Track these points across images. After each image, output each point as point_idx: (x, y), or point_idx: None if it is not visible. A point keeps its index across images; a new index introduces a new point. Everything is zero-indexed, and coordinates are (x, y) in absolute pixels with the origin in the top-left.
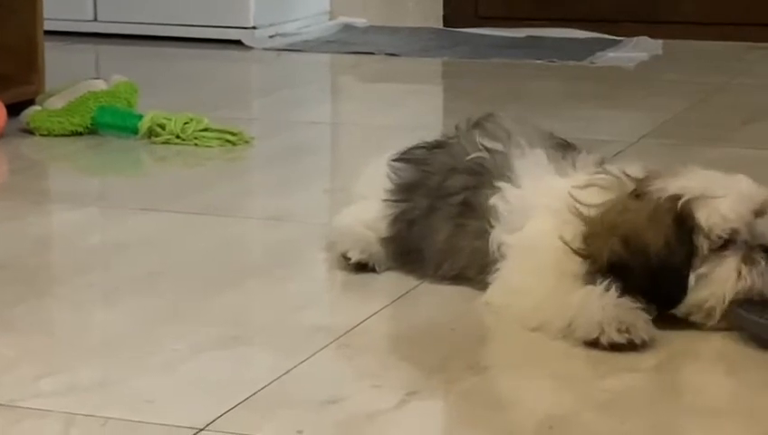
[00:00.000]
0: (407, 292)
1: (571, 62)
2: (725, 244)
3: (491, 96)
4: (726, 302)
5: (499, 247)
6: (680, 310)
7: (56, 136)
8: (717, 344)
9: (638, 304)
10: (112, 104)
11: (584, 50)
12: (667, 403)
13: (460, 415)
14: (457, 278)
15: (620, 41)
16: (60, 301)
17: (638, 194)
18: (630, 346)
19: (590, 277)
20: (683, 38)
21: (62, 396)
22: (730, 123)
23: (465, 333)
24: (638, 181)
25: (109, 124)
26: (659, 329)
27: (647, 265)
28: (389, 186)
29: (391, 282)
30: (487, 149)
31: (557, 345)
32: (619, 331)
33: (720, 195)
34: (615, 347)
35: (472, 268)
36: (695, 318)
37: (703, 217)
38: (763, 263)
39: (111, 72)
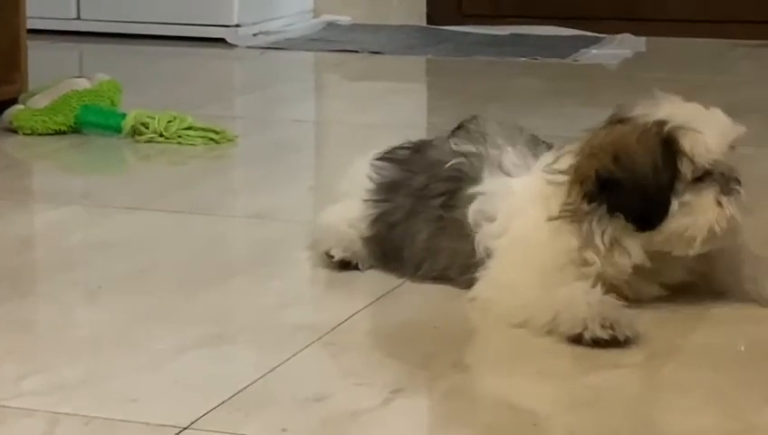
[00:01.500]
0: (390, 290)
1: (555, 60)
2: (703, 175)
3: (474, 94)
4: (707, 231)
5: (485, 248)
6: (660, 237)
7: (40, 135)
8: (701, 341)
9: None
10: (96, 103)
11: (568, 47)
12: (650, 400)
13: (444, 413)
14: (438, 279)
15: (604, 38)
16: (43, 300)
17: (619, 120)
18: (614, 343)
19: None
20: (666, 36)
21: (45, 395)
22: None
23: (449, 331)
24: (617, 108)
25: (92, 123)
26: (643, 326)
27: (634, 182)
28: (371, 185)
29: (375, 280)
30: (466, 153)
31: (541, 342)
32: (602, 327)
33: (703, 126)
34: (598, 343)
35: (453, 269)
36: (675, 248)
37: (688, 144)
38: (740, 194)
39: (95, 71)
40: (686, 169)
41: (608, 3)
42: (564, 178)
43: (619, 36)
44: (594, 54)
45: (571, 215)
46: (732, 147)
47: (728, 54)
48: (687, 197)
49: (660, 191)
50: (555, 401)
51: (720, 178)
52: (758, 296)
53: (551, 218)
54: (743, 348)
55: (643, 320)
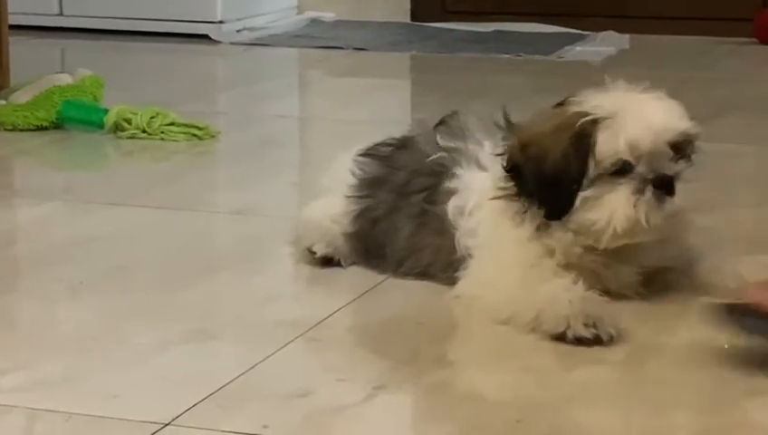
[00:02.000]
0: (373, 286)
1: (539, 57)
2: (621, 171)
3: (458, 90)
4: (612, 228)
5: (464, 246)
6: (572, 226)
7: (21, 130)
8: (685, 338)
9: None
10: (78, 98)
11: (551, 44)
12: (633, 396)
13: (427, 409)
14: (420, 275)
15: (587, 35)
16: (25, 296)
17: (560, 103)
18: (597, 341)
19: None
20: (650, 33)
21: (25, 391)
22: (696, 117)
23: (433, 327)
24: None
25: (74, 118)
26: (626, 322)
27: (538, 173)
28: (354, 181)
29: (357, 276)
30: (446, 149)
31: (524, 338)
32: (585, 325)
33: (628, 122)
34: (581, 341)
35: (435, 265)
36: (585, 240)
37: (600, 141)
38: (649, 195)
39: (77, 67)
40: (591, 165)
41: (592, 0)
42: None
43: (602, 33)
44: (578, 51)
45: (508, 194)
46: (677, 145)
47: (712, 52)
48: (591, 192)
49: (564, 184)
50: (539, 398)
51: (638, 176)
52: None
53: (492, 198)
54: (726, 345)
55: (626, 316)
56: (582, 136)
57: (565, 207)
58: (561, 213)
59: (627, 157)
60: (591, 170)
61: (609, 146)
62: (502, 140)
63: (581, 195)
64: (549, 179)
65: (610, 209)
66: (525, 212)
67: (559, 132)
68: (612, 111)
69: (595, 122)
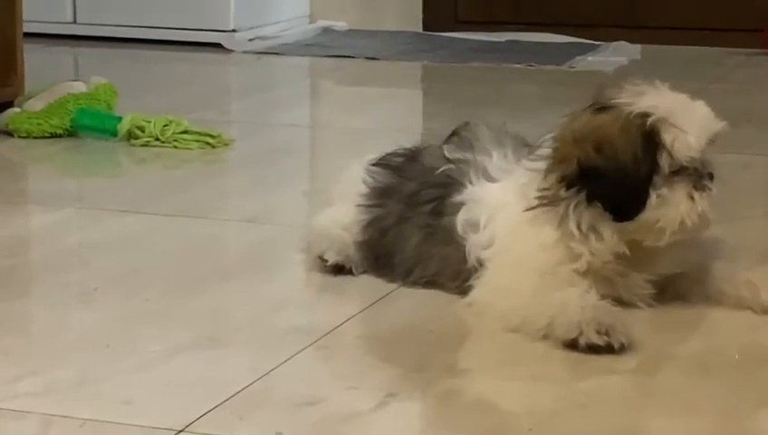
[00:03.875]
0: (384, 295)
1: (551, 67)
2: (678, 169)
3: (470, 100)
4: (680, 224)
5: (476, 258)
6: (633, 227)
7: (35, 138)
8: (696, 347)
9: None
10: (92, 106)
11: (563, 54)
12: (643, 405)
13: (439, 417)
14: (429, 284)
15: (599, 45)
16: (38, 302)
17: (600, 107)
18: (609, 349)
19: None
20: (662, 43)
21: (39, 397)
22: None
23: (444, 336)
24: (599, 93)
25: (88, 126)
26: (638, 331)
27: (615, 172)
28: (365, 190)
29: (369, 284)
30: (456, 160)
31: (536, 346)
32: (598, 333)
33: (685, 121)
34: (593, 349)
35: (443, 275)
36: (646, 238)
37: (669, 138)
38: (713, 189)
39: (91, 75)
40: (664, 162)
41: (604, 10)
42: (542, 163)
43: (614, 43)
44: (590, 61)
45: (547, 200)
46: (711, 141)
47: (724, 62)
48: (663, 190)
49: (640, 183)
50: (550, 406)
51: (694, 173)
52: (753, 303)
53: (528, 209)
54: (737, 356)
55: (638, 325)
56: (652, 135)
57: (639, 206)
58: (635, 212)
59: (697, 153)
60: (665, 167)
61: (681, 143)
62: (551, 148)
63: (654, 192)
64: (625, 179)
65: (676, 205)
66: (568, 216)
67: (627, 132)
68: (669, 110)
69: (661, 121)
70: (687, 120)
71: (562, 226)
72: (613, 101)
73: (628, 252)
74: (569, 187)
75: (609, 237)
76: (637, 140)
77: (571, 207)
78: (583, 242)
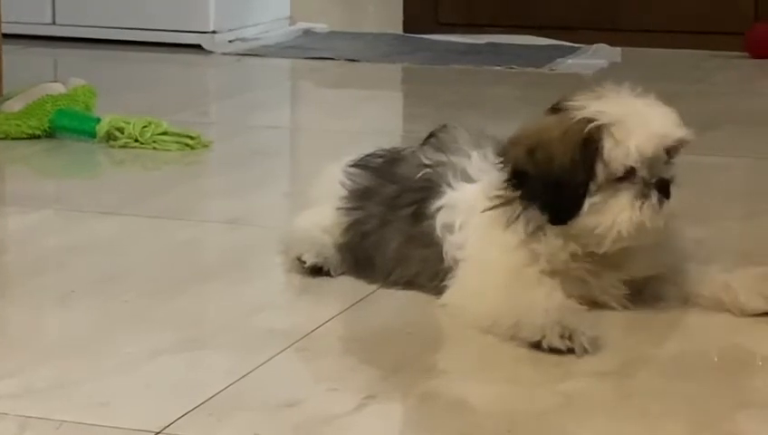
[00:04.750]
0: (363, 296)
1: (531, 69)
2: (624, 177)
3: (450, 102)
4: (617, 232)
5: (452, 258)
6: (573, 231)
7: (13, 139)
8: (674, 349)
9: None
10: (70, 107)
11: (543, 57)
12: (622, 407)
13: (418, 419)
14: (408, 285)
15: (580, 48)
16: (15, 303)
17: (555, 109)
18: (570, 353)
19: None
20: (642, 46)
21: (16, 399)
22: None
23: (423, 337)
24: (564, 96)
25: (66, 127)
26: (616, 333)
27: (546, 178)
28: (344, 192)
29: (348, 286)
30: (434, 163)
31: (514, 348)
32: (561, 337)
33: (634, 129)
34: (556, 352)
35: (423, 275)
36: (589, 244)
37: (607, 146)
38: (654, 199)
39: (70, 76)
40: (600, 170)
41: (584, 13)
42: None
43: (594, 46)
44: (570, 64)
45: (501, 201)
46: (669, 149)
47: (704, 65)
48: (598, 197)
49: (571, 189)
50: (528, 408)
51: (640, 181)
52: (731, 305)
53: (485, 209)
54: (716, 358)
55: (616, 328)
56: (590, 141)
57: (572, 212)
58: (567, 218)
59: (635, 163)
60: (600, 176)
61: (617, 152)
62: (499, 147)
63: (588, 200)
64: (557, 184)
65: (615, 213)
66: (518, 217)
67: (566, 138)
68: (616, 117)
69: (601, 128)
70: (635, 128)
71: (516, 226)
72: (567, 103)
73: (580, 252)
74: (514, 188)
75: (554, 239)
76: (575, 145)
77: (520, 208)
78: (539, 243)
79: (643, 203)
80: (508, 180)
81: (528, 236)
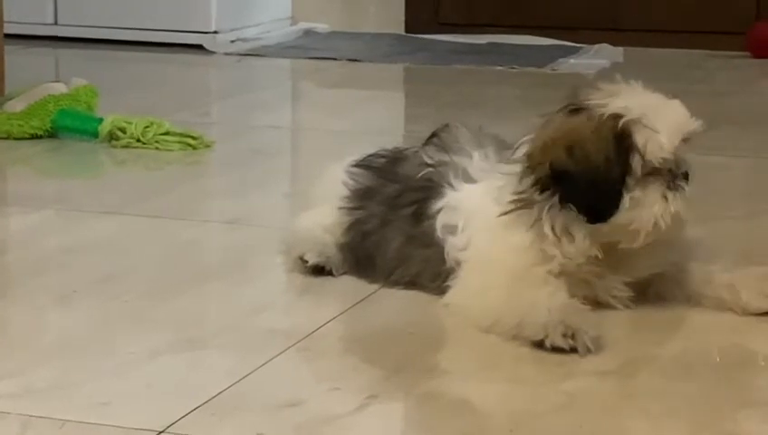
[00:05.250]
0: (365, 296)
1: (532, 69)
2: (652, 170)
3: (451, 102)
4: (654, 225)
5: (454, 259)
6: (607, 229)
7: (15, 139)
8: (676, 349)
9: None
10: (72, 107)
11: (545, 57)
12: (624, 407)
13: (420, 418)
14: (410, 285)
15: (581, 48)
16: (16, 303)
17: (574, 109)
18: (573, 352)
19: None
20: (644, 46)
21: (18, 398)
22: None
23: (424, 337)
24: (573, 94)
25: (69, 127)
26: (619, 333)
27: (588, 174)
28: (346, 192)
29: (350, 286)
30: (436, 163)
31: (516, 348)
32: (564, 336)
33: (658, 122)
34: (558, 351)
35: (424, 275)
36: (621, 239)
37: (641, 140)
38: (686, 189)
39: (72, 76)
40: (636, 164)
41: (586, 13)
42: (517, 167)
43: (596, 46)
44: (572, 64)
45: (522, 203)
46: (685, 140)
47: (705, 65)
48: (636, 192)
49: (612, 185)
50: (530, 408)
51: (668, 174)
52: (733, 305)
53: (502, 214)
54: (718, 358)
55: (618, 327)
56: (624, 137)
57: (612, 208)
58: (608, 214)
59: (668, 154)
60: (638, 169)
61: (653, 144)
62: (526, 152)
63: (627, 195)
64: (596, 181)
65: (649, 206)
66: (539, 220)
67: (599, 135)
68: (641, 111)
69: (632, 123)
70: (660, 121)
71: (536, 228)
72: (586, 102)
73: (600, 255)
74: (542, 190)
75: (582, 240)
76: (609, 142)
77: (545, 210)
78: (556, 245)
79: (674, 194)
80: (539, 182)
81: (538, 237)
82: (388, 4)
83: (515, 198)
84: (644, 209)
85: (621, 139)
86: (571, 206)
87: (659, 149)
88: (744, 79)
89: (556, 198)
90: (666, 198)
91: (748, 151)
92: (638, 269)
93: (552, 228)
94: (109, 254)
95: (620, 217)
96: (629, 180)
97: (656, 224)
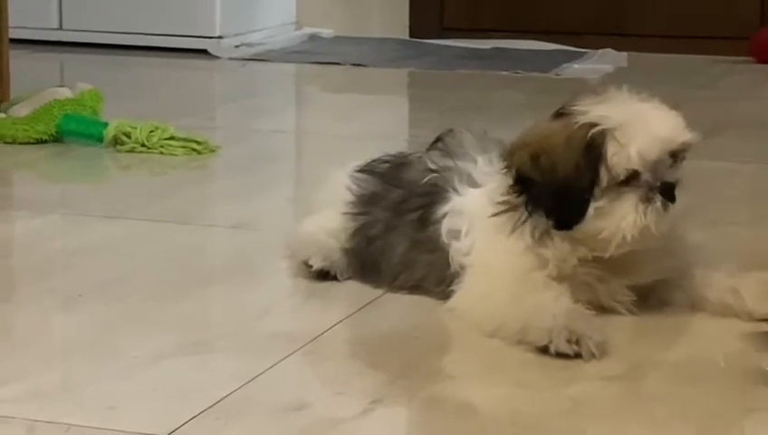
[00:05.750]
0: (370, 301)
1: (537, 74)
2: (628, 181)
3: (456, 107)
4: (622, 236)
5: (458, 264)
6: (578, 236)
7: (20, 143)
8: (681, 354)
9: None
10: (77, 112)
11: (549, 62)
12: (630, 411)
13: (424, 423)
14: (414, 289)
15: (585, 53)
16: (21, 307)
17: (558, 114)
18: (578, 357)
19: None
20: (648, 51)
21: (23, 402)
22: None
23: (429, 341)
24: (568, 100)
25: (73, 132)
26: (623, 338)
27: (550, 184)
28: (351, 197)
29: (354, 291)
30: (440, 168)
31: (520, 353)
32: (568, 341)
33: (635, 132)
34: (563, 356)
35: (428, 280)
36: (594, 248)
37: (610, 151)
38: (658, 202)
39: (76, 81)
40: (603, 174)
41: (590, 18)
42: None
43: (600, 51)
44: (576, 69)
45: (508, 206)
46: (675, 153)
47: (709, 70)
48: (603, 202)
49: (576, 194)
50: (535, 412)
51: (644, 185)
52: (738, 310)
53: (492, 215)
54: (722, 363)
55: (622, 332)
56: (594, 146)
57: (578, 217)
58: (572, 223)
59: (638, 166)
60: (603, 180)
61: (620, 156)
62: (502, 153)
63: (593, 204)
64: (561, 190)
65: (620, 217)
66: (524, 223)
67: (569, 143)
68: (619, 121)
69: (604, 133)
70: (638, 132)
71: (522, 231)
72: (572, 108)
73: (590, 257)
74: (519, 194)
75: (560, 244)
76: (579, 150)
77: (525, 214)
78: (547, 248)
79: (647, 207)
80: (512, 186)
81: (535, 241)
82: (393, 8)
83: (503, 199)
84: (612, 220)
85: (590, 148)
86: (538, 211)
87: (627, 161)
88: (748, 84)
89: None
90: (637, 210)
91: (752, 157)
92: (641, 274)
93: (533, 232)
94: (113, 258)
95: (588, 226)
96: (596, 190)
97: (623, 235)
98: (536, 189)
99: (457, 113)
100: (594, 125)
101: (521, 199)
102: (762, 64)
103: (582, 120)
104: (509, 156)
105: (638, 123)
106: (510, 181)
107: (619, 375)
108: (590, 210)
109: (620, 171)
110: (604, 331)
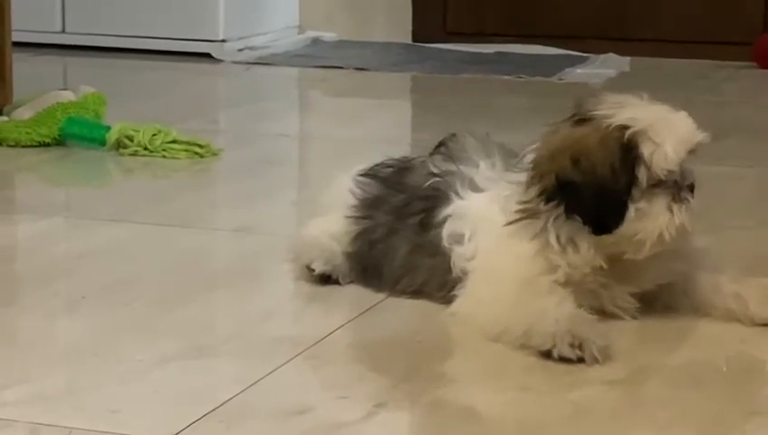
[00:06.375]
0: (373, 305)
1: (540, 78)
2: (658, 182)
3: (459, 111)
4: (659, 236)
5: (461, 269)
6: (612, 239)
7: (23, 147)
8: (684, 359)
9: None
10: (80, 115)
11: (552, 66)
12: (632, 416)
13: (427, 427)
14: (416, 294)
15: (588, 57)
16: (25, 310)
17: (580, 119)
18: (581, 362)
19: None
20: (651, 56)
21: (26, 406)
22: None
23: (432, 346)
24: (578, 105)
25: (76, 135)
26: (627, 342)
27: (593, 186)
28: (354, 201)
29: (356, 295)
30: (443, 172)
31: (523, 357)
32: (571, 346)
33: (664, 134)
34: (566, 361)
35: (430, 284)
36: (626, 250)
37: (647, 151)
38: (691, 201)
39: (80, 84)
40: (642, 175)
41: (593, 22)
42: (523, 176)
43: (603, 56)
44: (578, 73)
45: (528, 213)
46: (691, 151)
47: (712, 75)
48: (642, 203)
49: (617, 197)
50: (538, 417)
51: (673, 185)
52: (741, 315)
53: (508, 223)
54: (725, 368)
55: (625, 337)
56: (630, 147)
57: (618, 219)
58: (614, 225)
59: (674, 166)
60: (643, 181)
61: (657, 156)
62: (533, 163)
63: (632, 206)
64: (602, 191)
65: (656, 218)
66: (544, 230)
67: (605, 145)
68: (648, 122)
69: (638, 134)
70: (666, 132)
71: (541, 238)
72: (593, 113)
73: (605, 265)
74: (548, 200)
75: (587, 251)
76: (615, 153)
77: (551, 220)
78: (561, 254)
79: (680, 206)
80: (545, 192)
81: (543, 247)
82: (396, 13)
83: (521, 207)
84: (649, 221)
85: (627, 150)
86: (577, 217)
87: (665, 161)
88: (751, 89)
89: (561, 209)
90: (671, 209)
91: (755, 161)
92: (644, 280)
93: (558, 238)
94: (116, 261)
95: (625, 228)
96: (635, 192)
97: (660, 235)
98: (578, 193)
99: (460, 117)
100: (627, 127)
101: (551, 206)
102: (764, 69)
103: (613, 122)
104: (547, 162)
105: (665, 124)
106: (545, 188)
107: (622, 379)
108: (631, 212)
109: (660, 171)
110: (607, 335)
